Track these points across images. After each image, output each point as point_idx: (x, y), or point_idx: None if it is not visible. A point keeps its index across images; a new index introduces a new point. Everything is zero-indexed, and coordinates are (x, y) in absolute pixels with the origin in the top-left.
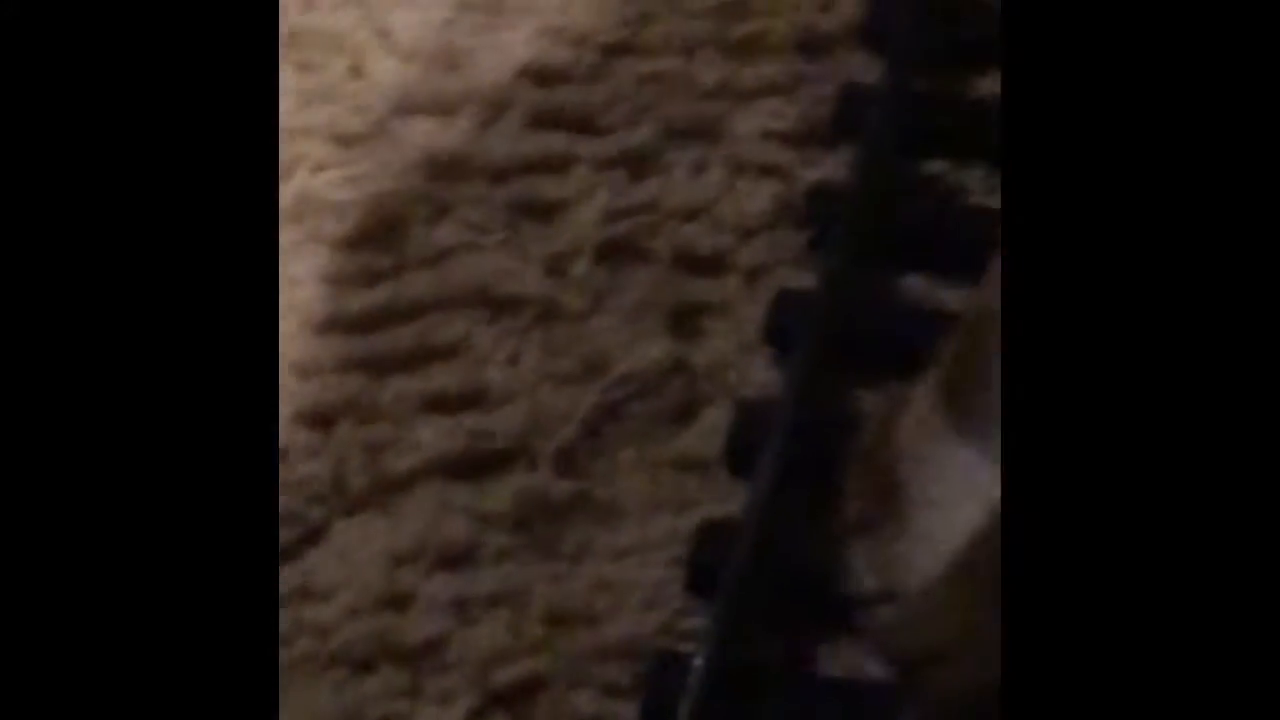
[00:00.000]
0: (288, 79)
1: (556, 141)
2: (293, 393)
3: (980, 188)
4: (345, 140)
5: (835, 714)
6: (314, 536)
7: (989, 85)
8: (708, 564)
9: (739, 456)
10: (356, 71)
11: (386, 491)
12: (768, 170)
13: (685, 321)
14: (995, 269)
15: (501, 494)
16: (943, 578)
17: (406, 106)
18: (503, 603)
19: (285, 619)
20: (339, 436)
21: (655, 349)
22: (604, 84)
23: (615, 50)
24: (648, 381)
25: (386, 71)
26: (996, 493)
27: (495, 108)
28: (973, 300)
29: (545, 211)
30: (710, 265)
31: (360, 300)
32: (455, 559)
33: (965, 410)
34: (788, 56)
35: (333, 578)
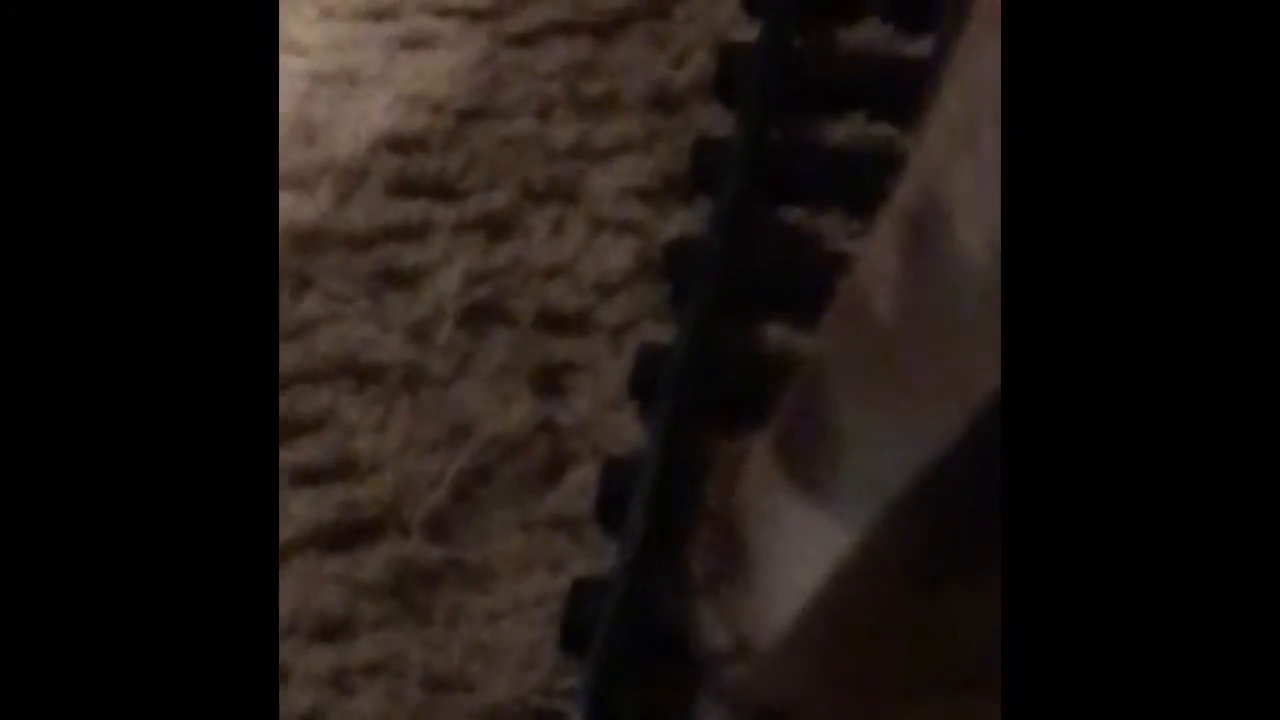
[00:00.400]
0: None
1: (415, 209)
2: None
3: (836, 233)
4: None
5: None
6: None
7: (842, 132)
8: (581, 622)
9: (609, 513)
10: None
11: None
12: (626, 227)
13: (550, 381)
14: (828, 320)
15: (374, 563)
16: (789, 635)
17: None
18: (380, 672)
19: None
20: None
21: (521, 410)
22: (460, 149)
23: (470, 115)
24: (515, 443)
25: None
26: (837, 547)
27: (354, 178)
28: (808, 351)
29: (407, 279)
30: (573, 324)
31: None
32: (331, 630)
33: (802, 463)
34: (641, 113)
35: None
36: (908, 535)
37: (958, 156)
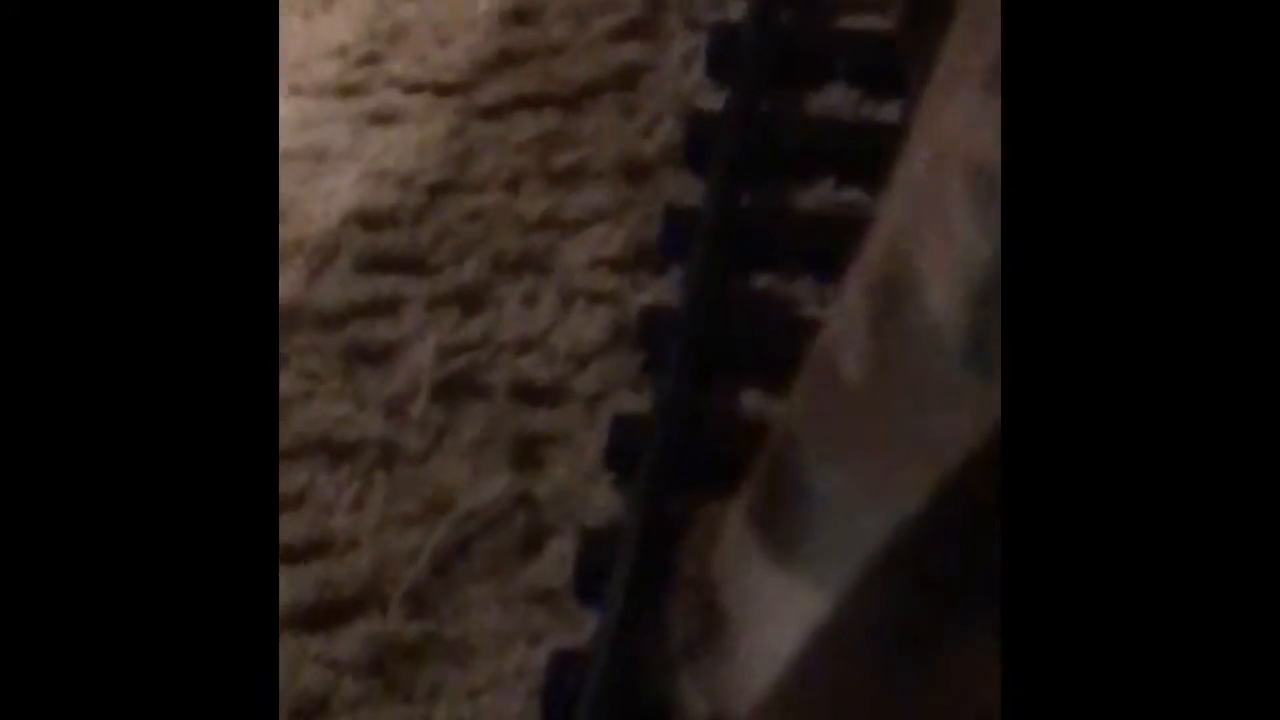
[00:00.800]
0: None
1: (387, 284)
2: None
3: (809, 299)
4: None
5: None
6: None
7: (812, 198)
8: (563, 695)
9: (587, 584)
10: None
11: None
12: (598, 297)
13: (526, 453)
14: (798, 385)
15: (354, 640)
16: (767, 701)
17: None
18: None
19: None
20: None
21: (498, 483)
22: (430, 223)
23: (440, 189)
24: (493, 516)
25: None
26: (812, 611)
27: (324, 255)
28: (778, 419)
29: (380, 354)
30: (548, 395)
31: None
32: (312, 709)
33: (777, 529)
34: (611, 183)
35: None
36: (885, 598)
37: (924, 219)
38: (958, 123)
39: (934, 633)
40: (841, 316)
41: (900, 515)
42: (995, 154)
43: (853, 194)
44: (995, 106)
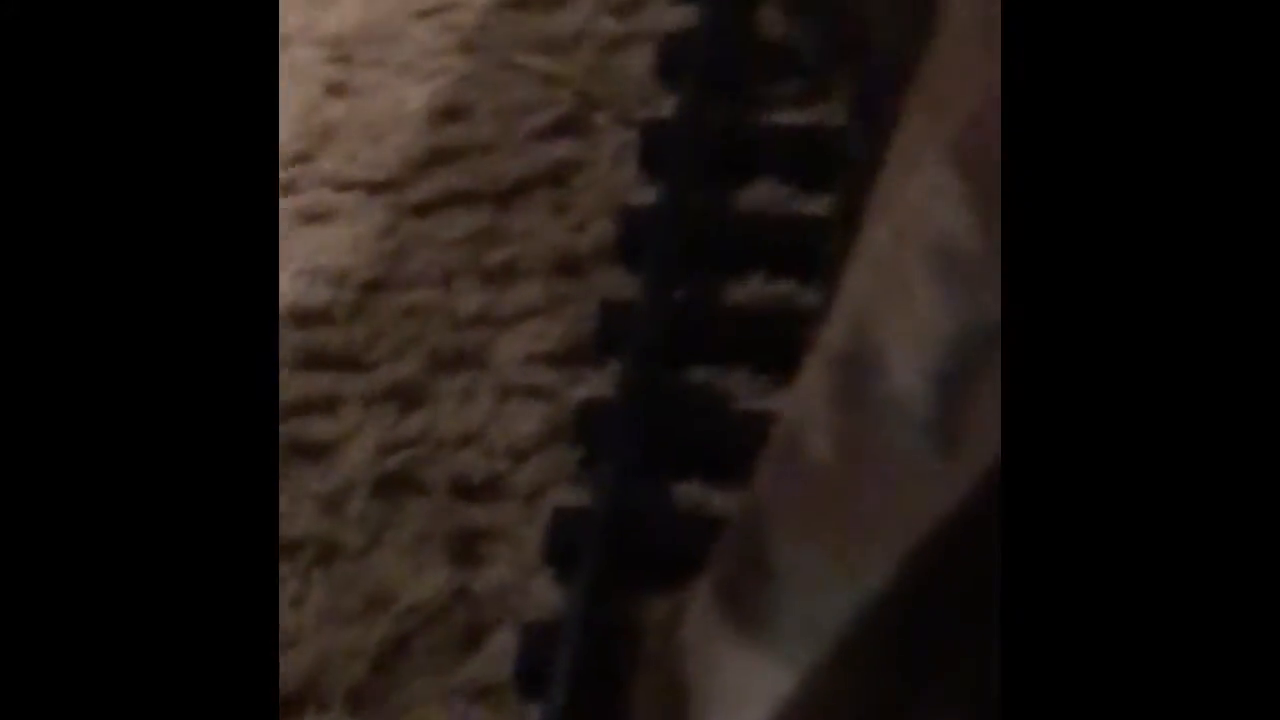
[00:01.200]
0: None
1: (323, 381)
2: None
3: (745, 392)
4: None
5: None
6: None
7: (746, 292)
8: None
9: (528, 679)
10: None
11: None
12: (535, 392)
13: (465, 549)
14: (762, 464)
15: None
16: None
17: None
18: None
19: None
20: None
21: (437, 579)
22: (365, 321)
23: (373, 286)
24: (433, 612)
25: None
26: (779, 690)
27: None
28: (746, 494)
29: (317, 451)
30: (486, 491)
31: None
32: None
33: (743, 607)
34: (545, 279)
35: None
36: (855, 674)
37: (886, 295)
38: (918, 199)
39: (905, 710)
40: (803, 395)
41: (869, 591)
42: (956, 229)
43: (784, 286)
44: (956, 183)
